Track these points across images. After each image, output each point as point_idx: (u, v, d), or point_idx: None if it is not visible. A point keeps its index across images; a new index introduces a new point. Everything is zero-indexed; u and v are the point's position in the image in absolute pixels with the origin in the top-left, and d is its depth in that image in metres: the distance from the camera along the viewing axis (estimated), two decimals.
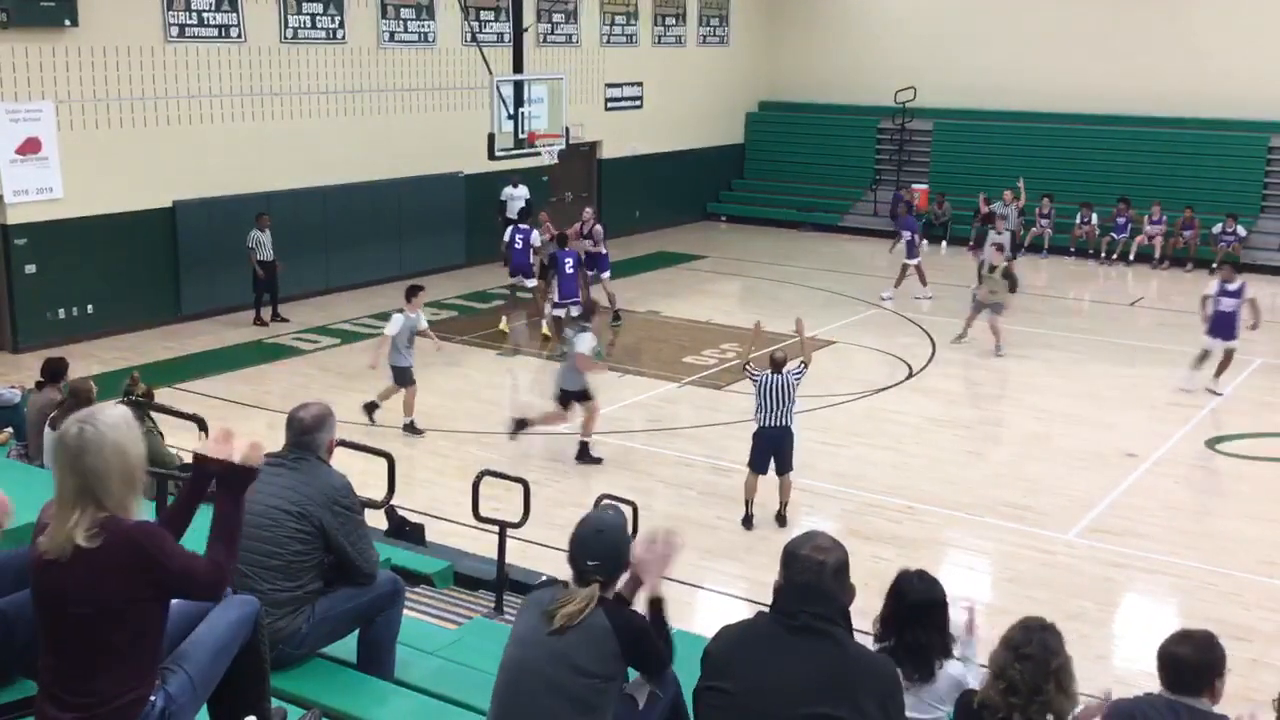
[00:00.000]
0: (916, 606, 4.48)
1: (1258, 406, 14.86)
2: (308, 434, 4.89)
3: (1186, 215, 23.15)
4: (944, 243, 25.25)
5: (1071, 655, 3.91)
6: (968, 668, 4.56)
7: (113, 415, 3.54)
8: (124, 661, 3.57)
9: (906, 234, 20.32)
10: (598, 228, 18.33)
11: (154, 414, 9.03)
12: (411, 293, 13.48)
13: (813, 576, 3.46)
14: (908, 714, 3.97)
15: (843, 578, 3.51)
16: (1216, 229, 22.84)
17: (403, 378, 13.26)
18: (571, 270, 16.61)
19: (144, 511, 3.64)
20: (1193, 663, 4.19)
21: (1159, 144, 24.43)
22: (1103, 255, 23.83)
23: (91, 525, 3.43)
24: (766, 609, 3.61)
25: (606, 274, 18.09)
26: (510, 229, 18.39)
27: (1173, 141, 24.31)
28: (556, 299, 16.70)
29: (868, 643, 4.55)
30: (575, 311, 15.89)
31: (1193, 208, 23.22)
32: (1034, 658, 3.84)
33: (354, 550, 4.85)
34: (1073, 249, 24.13)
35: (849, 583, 3.55)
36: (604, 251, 18.12)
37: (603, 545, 4.00)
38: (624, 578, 4.14)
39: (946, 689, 4.39)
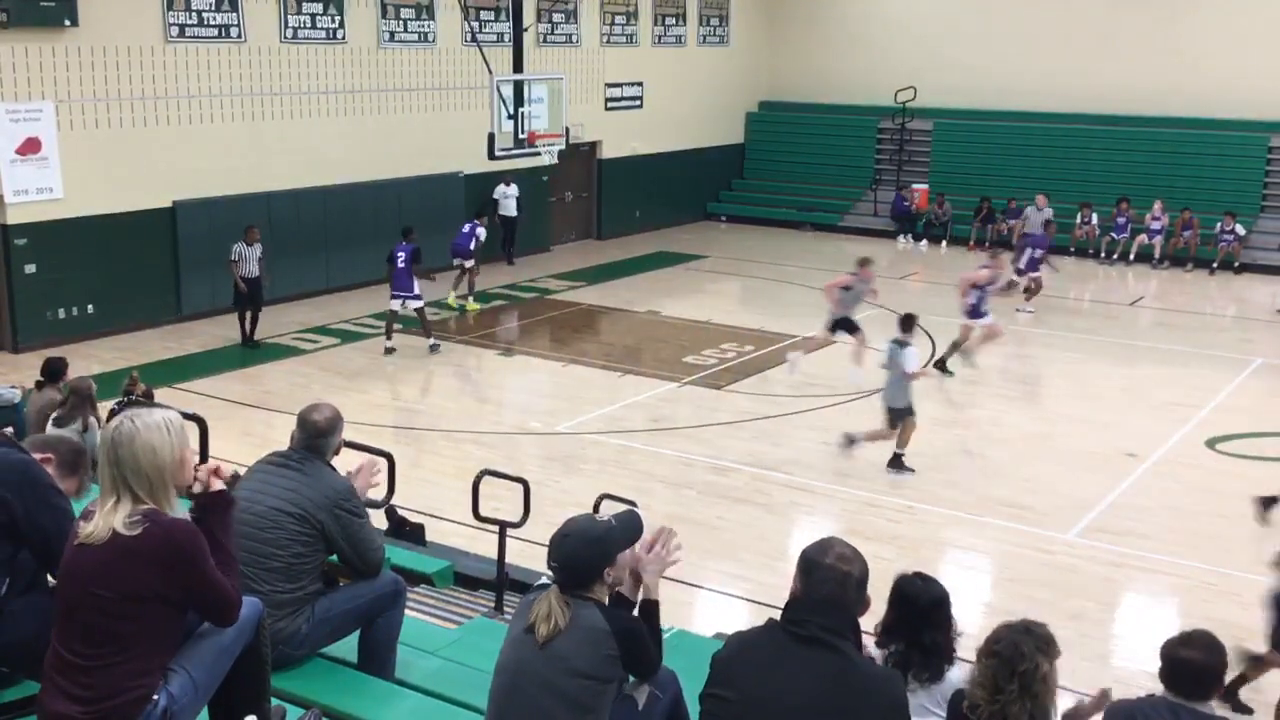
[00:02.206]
0: (928, 607, 4.47)
1: (1257, 406, 14.86)
2: (321, 437, 4.90)
3: (1185, 216, 23.14)
4: (944, 243, 25.27)
5: (1053, 667, 3.85)
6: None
7: (154, 416, 3.72)
8: (132, 656, 3.61)
9: (1037, 252, 19.33)
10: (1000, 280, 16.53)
11: None
12: (908, 323, 12.55)
13: (836, 588, 3.36)
14: (914, 718, 3.96)
15: (864, 590, 3.42)
16: (1216, 228, 22.85)
17: (898, 418, 12.28)
18: (403, 264, 16.11)
19: (180, 513, 3.73)
20: (1201, 666, 4.16)
21: (1159, 144, 24.42)
22: (1103, 255, 23.84)
23: (132, 514, 3.58)
24: (776, 614, 3.55)
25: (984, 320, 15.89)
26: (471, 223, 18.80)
27: (1173, 141, 24.30)
28: (392, 292, 16.30)
29: (870, 644, 4.55)
30: (413, 304, 16.08)
31: (1191, 208, 23.22)
32: (1000, 655, 3.81)
33: (355, 552, 4.86)
34: (1073, 249, 24.13)
35: (867, 594, 3.46)
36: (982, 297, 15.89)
37: (563, 551, 3.95)
38: (625, 577, 4.13)
39: (950, 690, 4.37)
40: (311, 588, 4.78)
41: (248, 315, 16.64)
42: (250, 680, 4.01)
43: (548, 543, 4.05)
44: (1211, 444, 13.29)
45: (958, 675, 4.44)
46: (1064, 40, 25.14)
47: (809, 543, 3.54)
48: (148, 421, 3.67)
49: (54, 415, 8.96)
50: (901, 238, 25.72)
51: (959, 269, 20.93)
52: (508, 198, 21.72)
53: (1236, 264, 22.73)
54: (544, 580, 4.30)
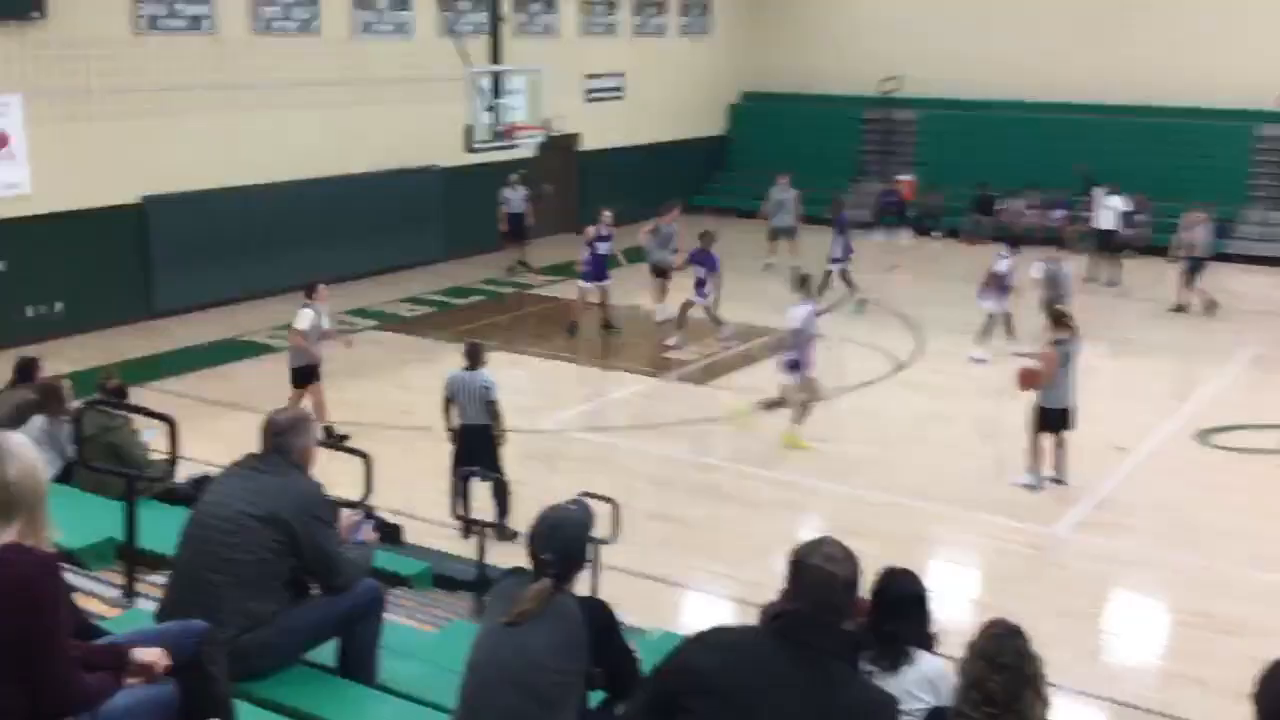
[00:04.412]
0: (895, 600, 4.45)
1: (1248, 398, 14.78)
2: (280, 435, 4.76)
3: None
4: (937, 234, 25.20)
5: (1040, 655, 3.81)
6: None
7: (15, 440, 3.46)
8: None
9: None
10: None
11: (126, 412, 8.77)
12: None
13: (824, 591, 3.19)
14: None
15: (853, 591, 3.27)
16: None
17: None
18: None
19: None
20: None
21: (1144, 133, 24.34)
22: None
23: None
24: (759, 612, 3.42)
25: None
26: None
27: (1159, 130, 24.24)
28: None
29: None
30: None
31: (1184, 199, 22.96)
32: (1010, 667, 3.74)
33: (323, 561, 4.69)
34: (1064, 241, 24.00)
35: (859, 598, 3.34)
36: None
37: (555, 540, 3.97)
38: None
39: (915, 680, 4.35)
40: (281, 596, 4.62)
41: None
42: (197, 697, 3.82)
43: (530, 536, 4.03)
44: (1202, 437, 13.19)
45: (928, 670, 4.37)
46: (1050, 28, 25.09)
47: (796, 541, 3.40)
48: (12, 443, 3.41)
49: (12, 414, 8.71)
50: (884, 230, 25.56)
51: (948, 262, 20.87)
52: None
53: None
54: (511, 568, 4.20)
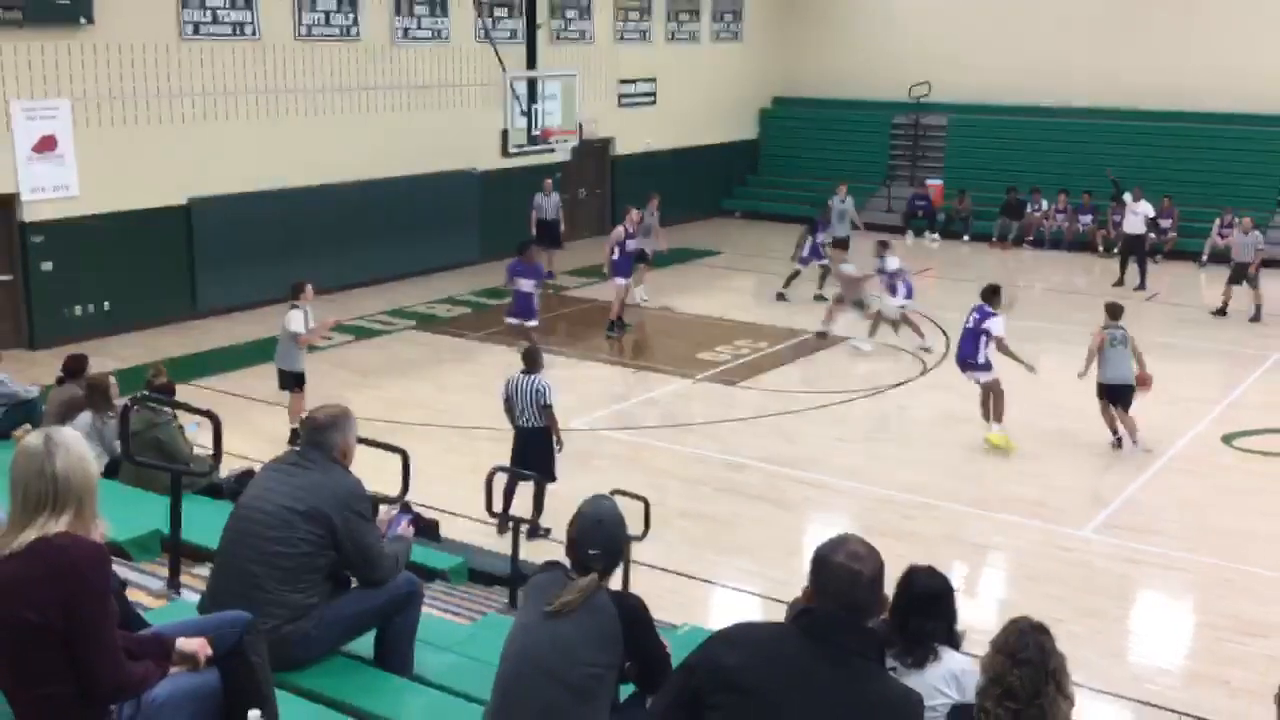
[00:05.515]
0: (920, 597, 4.47)
1: (1274, 402, 14.77)
2: (319, 432, 4.84)
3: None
4: (965, 237, 25.21)
5: (1065, 653, 3.81)
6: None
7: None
8: None
9: None
10: None
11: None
12: None
13: (846, 588, 3.19)
14: None
15: (877, 589, 3.24)
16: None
17: None
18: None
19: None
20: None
21: (1176, 138, 24.25)
22: (1113, 250, 23.63)
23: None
24: (785, 609, 3.47)
25: None
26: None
27: (1189, 135, 24.13)
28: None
29: None
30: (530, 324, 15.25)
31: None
32: (1032, 662, 3.71)
33: (363, 555, 4.78)
34: (1100, 247, 23.95)
35: (883, 594, 3.29)
36: None
37: (603, 535, 4.09)
38: None
39: (941, 676, 4.37)
40: (321, 588, 4.73)
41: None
42: (239, 686, 3.90)
43: (574, 532, 4.13)
44: (1228, 440, 13.22)
45: (954, 667, 4.41)
46: (1080, 34, 25.01)
47: (823, 540, 3.40)
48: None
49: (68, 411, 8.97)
50: (910, 234, 25.59)
51: (977, 265, 20.88)
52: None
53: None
54: (545, 561, 4.34)
